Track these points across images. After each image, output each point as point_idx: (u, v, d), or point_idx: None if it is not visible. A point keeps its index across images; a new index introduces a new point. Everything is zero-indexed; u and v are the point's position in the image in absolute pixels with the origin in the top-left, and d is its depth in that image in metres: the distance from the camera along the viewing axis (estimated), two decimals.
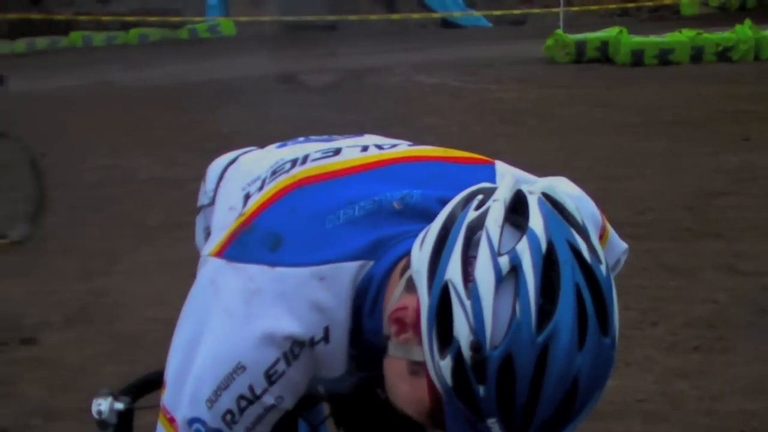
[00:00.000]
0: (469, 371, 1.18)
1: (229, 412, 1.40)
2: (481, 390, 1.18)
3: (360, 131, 1.81)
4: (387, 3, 22.70)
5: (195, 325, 1.46)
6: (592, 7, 21.80)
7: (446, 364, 1.20)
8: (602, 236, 1.70)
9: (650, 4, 22.51)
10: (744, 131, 9.18)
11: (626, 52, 14.51)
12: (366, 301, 1.41)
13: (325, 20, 21.27)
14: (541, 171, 1.76)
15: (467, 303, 1.18)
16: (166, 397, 1.48)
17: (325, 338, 1.40)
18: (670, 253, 5.89)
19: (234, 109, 11.73)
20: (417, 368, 1.29)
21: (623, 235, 1.84)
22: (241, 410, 1.40)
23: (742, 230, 6.24)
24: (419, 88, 12.97)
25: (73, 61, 19.02)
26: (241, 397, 1.39)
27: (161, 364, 1.55)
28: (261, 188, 1.59)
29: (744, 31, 14.86)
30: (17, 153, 6.86)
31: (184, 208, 7.29)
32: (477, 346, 1.17)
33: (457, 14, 22.36)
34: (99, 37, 23.01)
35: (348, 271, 1.40)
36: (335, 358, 1.44)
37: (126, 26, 23.13)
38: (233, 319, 1.40)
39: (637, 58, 14.46)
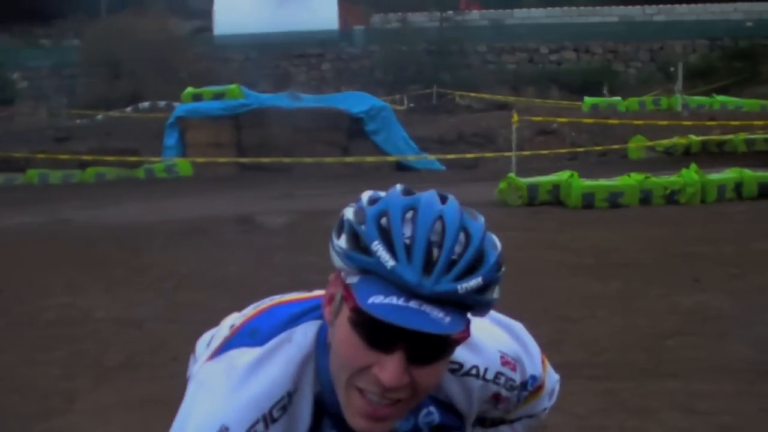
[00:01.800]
0: (353, 223, 1.46)
1: None
2: (363, 228, 1.45)
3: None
4: (342, 147, 23.11)
5: (182, 418, 1.59)
6: (543, 152, 22.35)
7: (341, 240, 1.47)
8: (540, 388, 1.91)
9: (599, 148, 23.12)
10: (694, 273, 9.38)
11: (577, 195, 14.84)
12: (321, 341, 1.62)
13: (281, 162, 21.58)
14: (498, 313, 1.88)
15: (353, 205, 1.50)
16: None
17: (296, 389, 1.59)
18: (627, 393, 5.96)
19: (191, 249, 11.77)
20: (337, 305, 1.52)
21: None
22: None
23: (697, 370, 6.34)
24: None
25: (30, 198, 19.03)
26: None
27: None
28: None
29: (690, 174, 15.30)
30: None
31: (142, 349, 7.29)
32: (359, 208, 1.49)
33: (411, 158, 22.79)
34: (56, 175, 23.10)
35: (312, 326, 1.64)
36: (304, 407, 1.59)
37: (83, 165, 23.25)
38: (215, 393, 1.56)
39: (588, 201, 14.79)
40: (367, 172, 22.31)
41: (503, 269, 1.52)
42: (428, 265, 1.40)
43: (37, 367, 6.94)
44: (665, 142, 23.08)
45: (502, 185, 15.57)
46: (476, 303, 1.46)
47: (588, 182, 15.13)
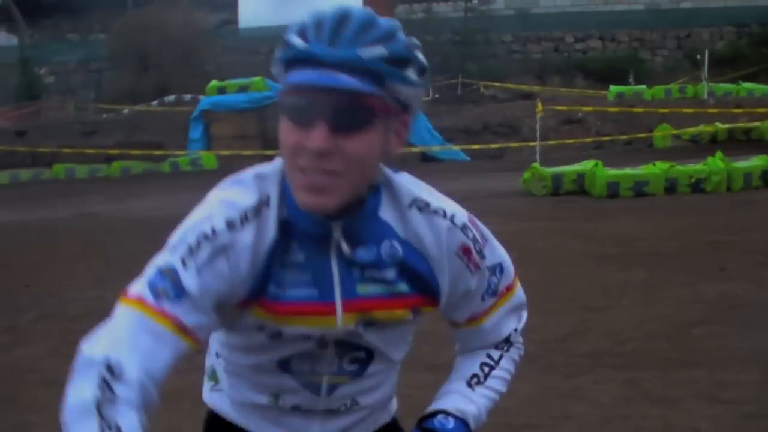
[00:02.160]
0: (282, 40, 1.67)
1: (190, 248, 1.70)
2: (286, 35, 1.67)
3: None
4: None
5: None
6: (568, 141, 22.26)
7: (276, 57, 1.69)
8: (510, 289, 2.02)
9: (624, 137, 23.00)
10: (719, 261, 9.33)
11: (602, 185, 14.79)
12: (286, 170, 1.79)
13: None
14: None
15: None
16: (132, 287, 1.73)
17: (267, 202, 1.76)
18: (651, 383, 5.94)
19: None
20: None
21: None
22: (198, 245, 1.70)
23: (722, 359, 6.31)
24: None
25: (57, 192, 19.18)
26: (203, 234, 1.71)
27: None
28: None
29: (716, 162, 15.21)
30: None
31: None
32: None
33: (435, 148, 22.77)
34: (82, 170, 23.30)
35: (279, 160, 1.81)
36: (271, 220, 1.76)
37: (109, 159, 23.40)
38: (207, 198, 1.80)
39: (613, 190, 14.74)
40: (392, 163, 22.28)
41: (420, 56, 1.70)
42: (331, 41, 1.61)
43: (65, 361, 6.96)
44: (691, 130, 22.96)
45: (527, 175, 15.54)
46: (385, 72, 1.62)
47: (613, 171, 15.08)
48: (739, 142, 21.86)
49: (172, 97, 34.53)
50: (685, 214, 12.83)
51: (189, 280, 1.68)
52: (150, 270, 1.71)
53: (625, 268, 9.32)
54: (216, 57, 38.86)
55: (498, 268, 1.96)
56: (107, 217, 14.71)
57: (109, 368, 1.58)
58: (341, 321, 1.79)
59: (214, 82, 25.71)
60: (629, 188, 14.78)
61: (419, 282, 1.83)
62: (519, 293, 2.05)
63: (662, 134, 23.43)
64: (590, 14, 48.67)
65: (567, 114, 24.80)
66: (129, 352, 1.61)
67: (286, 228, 1.76)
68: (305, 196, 1.67)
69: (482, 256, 1.90)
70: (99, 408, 1.54)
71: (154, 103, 34.28)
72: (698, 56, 30.65)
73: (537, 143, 19.29)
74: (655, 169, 15.12)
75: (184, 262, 1.69)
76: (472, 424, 1.99)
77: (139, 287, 1.70)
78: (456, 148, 23.50)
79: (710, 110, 23.69)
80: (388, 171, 1.87)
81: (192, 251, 1.69)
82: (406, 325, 1.90)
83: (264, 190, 1.77)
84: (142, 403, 1.59)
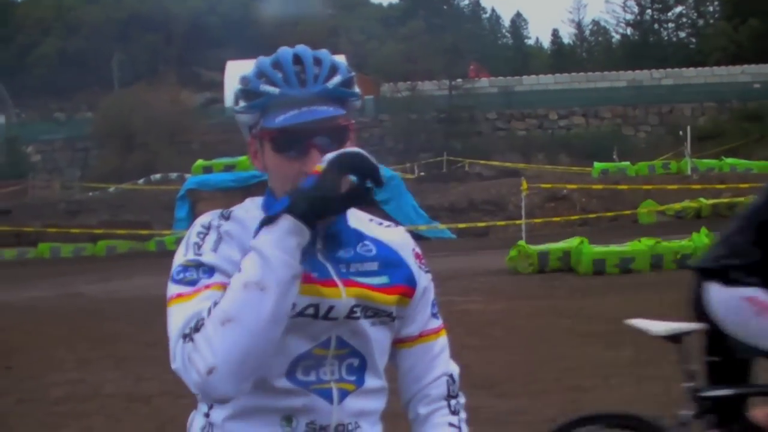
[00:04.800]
0: (242, 88, 2.01)
1: (196, 244, 2.00)
2: (250, 84, 1.99)
3: None
4: None
5: None
6: (554, 219, 22.33)
7: (240, 104, 2.01)
8: (441, 329, 2.25)
9: (610, 214, 23.11)
10: None
11: (588, 262, 14.79)
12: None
13: None
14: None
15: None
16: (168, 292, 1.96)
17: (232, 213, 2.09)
18: None
19: None
20: (261, 152, 2.04)
21: None
22: (202, 238, 2.01)
23: None
24: None
25: (41, 272, 19.06)
26: (200, 231, 2.03)
27: None
28: None
29: (701, 238, 15.23)
30: None
31: (152, 425, 7.23)
32: (242, 78, 2.03)
33: (422, 227, 22.77)
34: (67, 249, 23.19)
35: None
36: (247, 221, 2.03)
37: (94, 238, 23.34)
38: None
39: (599, 268, 14.73)
40: None
41: (353, 73, 2.03)
42: (301, 82, 1.95)
43: None
44: (676, 206, 23.08)
45: (513, 253, 15.53)
46: (344, 94, 1.99)
47: (598, 248, 15.09)
48: (723, 218, 21.96)
49: (158, 176, 34.67)
50: (672, 290, 12.74)
51: (210, 259, 1.96)
52: (175, 272, 1.96)
53: (612, 346, 9.24)
54: (202, 136, 39.11)
55: (435, 301, 2.25)
56: (91, 297, 14.61)
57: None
58: (344, 292, 2.01)
59: (200, 161, 25.77)
60: (615, 265, 14.79)
61: (398, 272, 2.13)
62: (444, 342, 2.26)
63: (647, 210, 23.55)
64: (573, 91, 49.31)
65: (552, 191, 24.94)
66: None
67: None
68: None
69: (428, 272, 2.23)
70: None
71: (141, 181, 34.39)
72: (680, 132, 30.96)
73: (523, 221, 19.34)
74: (641, 245, 15.14)
75: (198, 251, 1.98)
76: None
77: (172, 289, 1.94)
78: (442, 226, 23.52)
79: (694, 186, 23.86)
80: None
81: (199, 245, 1.99)
82: (390, 325, 2.11)
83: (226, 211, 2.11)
84: None
